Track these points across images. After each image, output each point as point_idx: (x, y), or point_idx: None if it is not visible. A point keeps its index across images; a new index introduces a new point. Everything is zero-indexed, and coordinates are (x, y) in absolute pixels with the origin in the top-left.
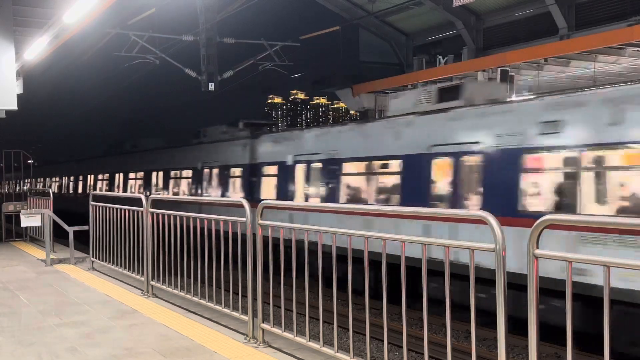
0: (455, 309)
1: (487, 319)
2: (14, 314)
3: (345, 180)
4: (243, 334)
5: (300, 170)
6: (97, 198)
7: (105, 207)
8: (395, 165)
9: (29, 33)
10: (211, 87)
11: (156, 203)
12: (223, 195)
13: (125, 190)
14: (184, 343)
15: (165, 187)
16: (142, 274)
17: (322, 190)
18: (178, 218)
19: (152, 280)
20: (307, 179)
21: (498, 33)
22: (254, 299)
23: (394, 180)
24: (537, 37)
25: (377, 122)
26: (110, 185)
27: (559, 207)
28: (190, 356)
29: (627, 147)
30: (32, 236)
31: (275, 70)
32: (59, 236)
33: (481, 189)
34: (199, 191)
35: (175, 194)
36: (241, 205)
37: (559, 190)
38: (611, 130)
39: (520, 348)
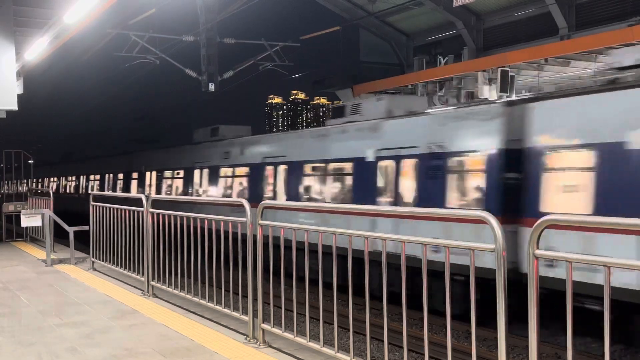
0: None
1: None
2: (14, 314)
3: (166, 181)
4: (243, 334)
5: (148, 176)
6: (98, 198)
7: (106, 207)
8: (182, 172)
9: (29, 33)
10: (211, 87)
11: (156, 203)
12: (105, 190)
13: (64, 188)
14: (184, 343)
15: (87, 186)
16: (142, 274)
17: (155, 187)
18: (178, 218)
19: (152, 281)
20: (150, 182)
21: (498, 33)
22: (254, 299)
23: (182, 182)
24: (537, 37)
25: (177, 147)
26: (58, 186)
27: (232, 195)
28: (190, 356)
29: (244, 166)
30: (33, 236)
31: (275, 71)
32: (60, 236)
33: (201, 186)
34: (99, 189)
35: (86, 189)
36: (241, 205)
37: (231, 186)
38: (240, 157)
39: (521, 348)
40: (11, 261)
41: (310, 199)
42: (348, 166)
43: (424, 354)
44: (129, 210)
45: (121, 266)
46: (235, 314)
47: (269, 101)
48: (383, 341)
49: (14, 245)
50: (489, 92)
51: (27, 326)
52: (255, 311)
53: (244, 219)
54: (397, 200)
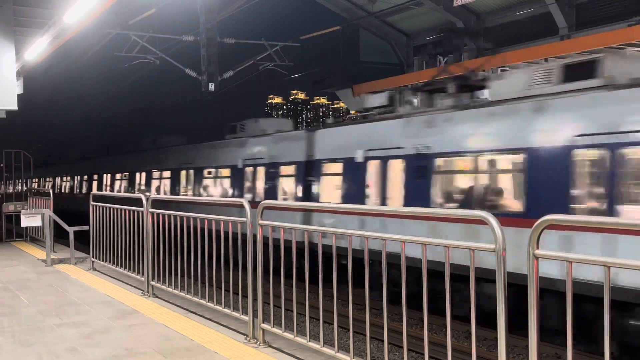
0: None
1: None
2: (15, 314)
3: (118, 182)
4: (243, 334)
5: (105, 178)
6: (98, 198)
7: (106, 207)
8: (128, 175)
9: (29, 33)
10: (211, 87)
11: (156, 203)
12: (75, 189)
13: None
14: (184, 343)
15: (61, 185)
16: (143, 274)
17: (110, 186)
18: (178, 218)
19: (152, 281)
20: (107, 182)
21: (498, 33)
22: (254, 299)
23: (128, 182)
24: (537, 37)
25: (128, 153)
26: (38, 186)
27: (160, 192)
28: (190, 356)
29: (168, 170)
30: (33, 236)
31: (275, 71)
32: (59, 236)
33: (141, 186)
34: (71, 188)
35: (60, 188)
36: (241, 206)
37: (160, 187)
38: (166, 163)
39: (520, 348)
40: (11, 261)
41: (208, 195)
42: (228, 171)
43: (424, 354)
44: (129, 210)
45: (121, 266)
46: (235, 314)
47: (269, 101)
48: (383, 341)
49: (14, 245)
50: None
51: (27, 326)
52: (255, 311)
53: (244, 219)
54: (254, 196)
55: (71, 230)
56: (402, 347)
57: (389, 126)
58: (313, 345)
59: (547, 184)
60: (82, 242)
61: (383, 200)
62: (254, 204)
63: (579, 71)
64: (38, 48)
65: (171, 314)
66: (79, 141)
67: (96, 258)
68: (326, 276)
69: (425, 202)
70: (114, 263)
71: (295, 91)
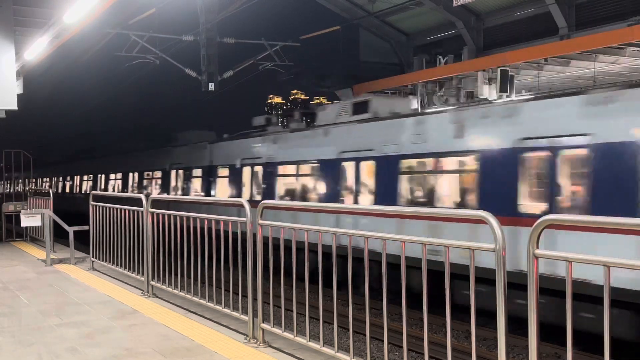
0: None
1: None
2: (14, 314)
3: (85, 183)
4: (243, 334)
5: (76, 179)
6: (98, 198)
7: (105, 207)
8: (92, 176)
9: (29, 33)
10: (211, 87)
11: (156, 203)
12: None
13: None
14: (184, 343)
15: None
16: (142, 274)
17: (79, 186)
18: (178, 218)
19: (152, 280)
20: (76, 183)
21: (498, 33)
22: (254, 299)
23: (92, 183)
24: (537, 37)
25: (91, 159)
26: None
27: (115, 190)
28: (190, 356)
29: (121, 173)
30: (33, 236)
31: (276, 70)
32: (59, 236)
33: (99, 185)
34: (49, 187)
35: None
36: (241, 205)
37: (115, 186)
38: (116, 168)
39: (520, 348)
40: (11, 261)
41: (146, 193)
42: (160, 173)
43: (424, 354)
44: (129, 210)
45: (121, 266)
46: (235, 313)
47: (269, 101)
48: (383, 341)
49: (14, 245)
50: (489, 92)
51: (27, 326)
52: (255, 311)
53: (244, 219)
54: (175, 193)
55: (71, 230)
56: (402, 347)
57: (254, 141)
58: (313, 345)
59: (328, 183)
60: (82, 242)
61: (251, 196)
62: (253, 203)
63: (359, 107)
64: (38, 48)
65: (171, 314)
66: (57, 146)
67: (96, 258)
68: (328, 276)
69: (273, 197)
70: (113, 263)
71: (295, 91)
